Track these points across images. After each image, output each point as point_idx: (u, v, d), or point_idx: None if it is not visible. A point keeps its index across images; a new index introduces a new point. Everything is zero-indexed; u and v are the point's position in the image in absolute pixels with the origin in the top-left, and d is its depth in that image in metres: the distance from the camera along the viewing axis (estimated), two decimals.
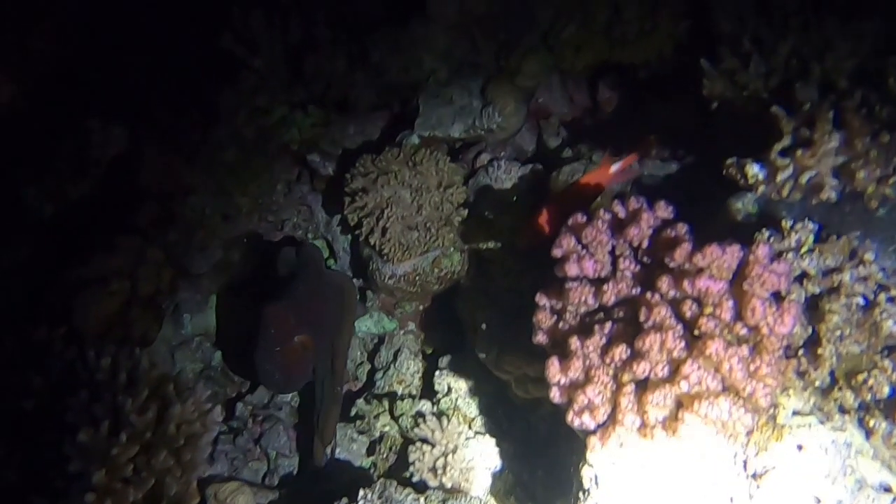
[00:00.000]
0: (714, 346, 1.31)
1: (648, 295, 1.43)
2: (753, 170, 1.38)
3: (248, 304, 2.37)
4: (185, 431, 1.51)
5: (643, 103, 2.48)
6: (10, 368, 1.62)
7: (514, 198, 2.36)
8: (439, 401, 2.38)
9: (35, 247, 2.08)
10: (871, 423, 1.28)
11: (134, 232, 2.15)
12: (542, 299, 1.65)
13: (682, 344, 1.36)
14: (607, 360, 1.44)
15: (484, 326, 2.06)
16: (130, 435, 1.40)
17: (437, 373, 2.42)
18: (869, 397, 1.29)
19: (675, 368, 1.36)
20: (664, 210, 1.56)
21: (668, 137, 2.40)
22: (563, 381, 1.49)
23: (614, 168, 1.96)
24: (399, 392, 2.51)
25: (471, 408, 2.36)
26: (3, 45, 1.72)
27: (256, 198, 2.46)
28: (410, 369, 2.56)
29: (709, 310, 1.34)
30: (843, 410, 1.31)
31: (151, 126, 2.30)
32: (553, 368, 1.49)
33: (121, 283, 2.00)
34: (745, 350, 1.32)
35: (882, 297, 1.33)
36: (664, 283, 1.39)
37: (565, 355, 1.49)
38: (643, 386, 1.40)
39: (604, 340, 1.48)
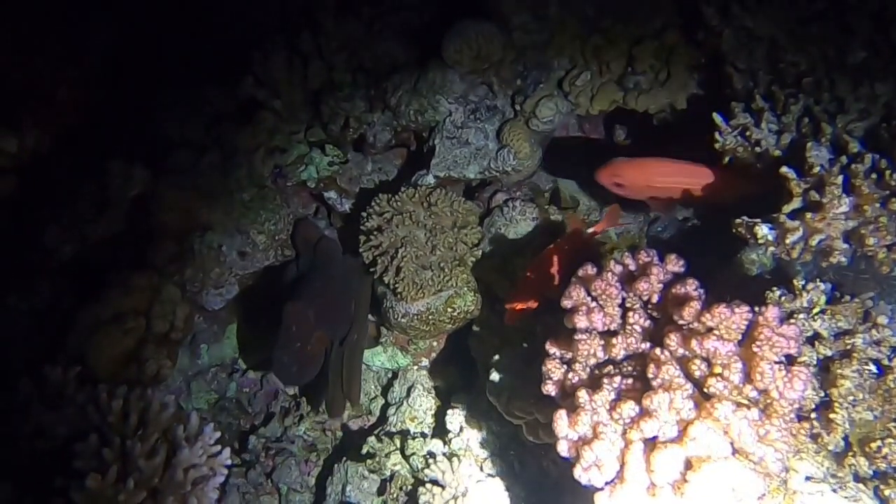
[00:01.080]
0: (722, 409, 1.29)
1: (657, 352, 1.42)
2: (763, 231, 1.37)
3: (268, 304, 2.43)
4: (193, 476, 1.52)
5: (660, 146, 2.48)
6: (25, 409, 1.64)
7: (529, 239, 2.37)
8: (451, 440, 2.37)
9: (54, 287, 2.12)
10: (887, 493, 1.25)
11: (151, 269, 2.19)
12: (552, 348, 1.64)
13: (691, 404, 1.34)
14: (615, 417, 1.42)
15: (494, 374, 2.05)
16: (138, 480, 1.41)
17: (449, 411, 2.41)
18: (884, 466, 1.26)
19: (682, 429, 1.34)
20: (675, 264, 1.55)
21: None
22: (570, 436, 1.48)
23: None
24: (411, 430, 2.51)
25: (483, 448, 2.34)
26: (31, 94, 1.78)
27: (273, 235, 2.49)
28: (423, 406, 2.55)
29: (717, 370, 1.32)
30: (857, 478, 1.28)
31: (172, 165, 2.35)
32: (561, 422, 1.48)
33: (136, 321, 2.03)
34: (754, 413, 1.30)
35: None
36: (673, 340, 1.38)
37: (573, 408, 1.48)
38: (651, 444, 1.39)
39: (612, 395, 1.46)
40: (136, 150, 2.31)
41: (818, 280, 1.40)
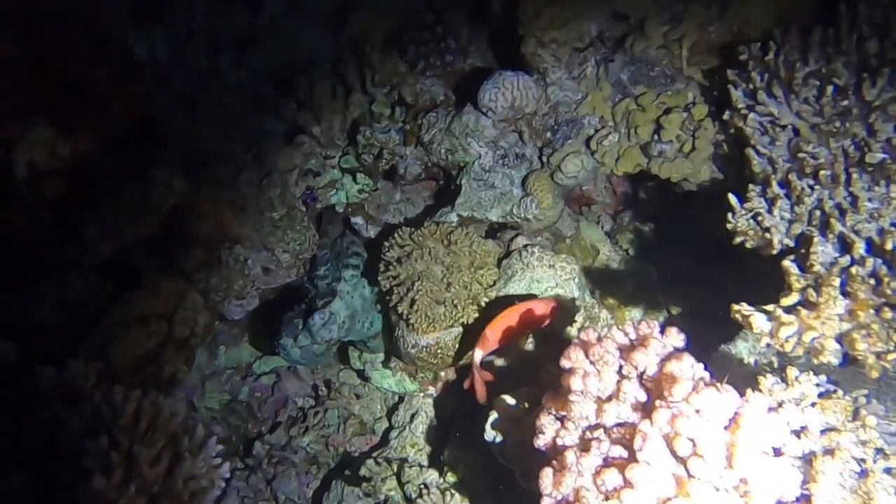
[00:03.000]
0: (700, 490, 1.33)
1: (646, 425, 1.45)
2: (758, 321, 1.40)
3: None
4: (192, 487, 1.59)
5: (681, 208, 2.51)
6: (45, 399, 1.74)
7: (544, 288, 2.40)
8: (446, 473, 2.41)
9: (88, 282, 2.23)
10: None
11: (179, 275, 2.29)
12: (548, 403, 1.69)
13: (672, 481, 1.38)
14: (598, 483, 1.46)
15: (495, 415, 2.10)
16: (139, 486, 1.49)
17: (448, 443, 2.46)
18: None
19: None
20: (675, 338, 1.59)
21: (704, 247, 2.43)
22: (554, 495, 1.52)
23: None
24: (410, 456, 2.56)
25: (476, 485, 2.39)
26: (90, 102, 1.90)
27: (297, 254, 2.57)
28: (424, 434, 2.61)
29: (700, 451, 1.36)
30: None
31: (211, 177, 2.46)
32: (546, 480, 1.52)
33: (159, 324, 2.12)
34: (732, 498, 1.33)
35: (880, 465, 1.33)
36: (661, 416, 1.42)
37: (560, 467, 1.53)
38: None
39: (598, 460, 1.50)
40: (180, 159, 2.43)
41: (811, 372, 1.42)
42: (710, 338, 1.95)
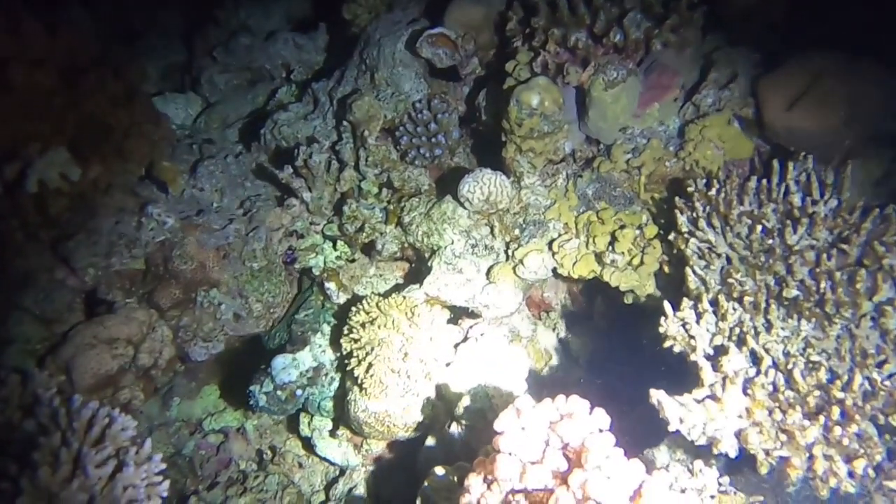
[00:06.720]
0: None
1: (562, 490, 1.58)
2: (670, 408, 1.57)
3: None
4: (130, 495, 1.66)
5: (631, 320, 2.71)
6: (4, 403, 1.82)
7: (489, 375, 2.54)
8: None
9: (69, 301, 2.34)
10: None
11: (154, 308, 2.40)
12: (478, 465, 1.81)
13: None
14: None
15: (428, 484, 2.17)
16: (82, 484, 1.56)
17: None
18: None
19: None
20: (600, 418, 1.74)
21: (649, 358, 2.61)
22: None
23: None
24: None
25: None
26: (107, 138, 2.09)
27: (269, 307, 2.71)
28: None
29: None
30: None
31: (202, 223, 2.63)
32: None
33: (125, 349, 2.22)
34: None
35: None
36: (575, 480, 1.55)
37: None
38: None
39: None
40: (177, 204, 2.60)
41: (714, 467, 1.58)
42: (641, 444, 2.10)
